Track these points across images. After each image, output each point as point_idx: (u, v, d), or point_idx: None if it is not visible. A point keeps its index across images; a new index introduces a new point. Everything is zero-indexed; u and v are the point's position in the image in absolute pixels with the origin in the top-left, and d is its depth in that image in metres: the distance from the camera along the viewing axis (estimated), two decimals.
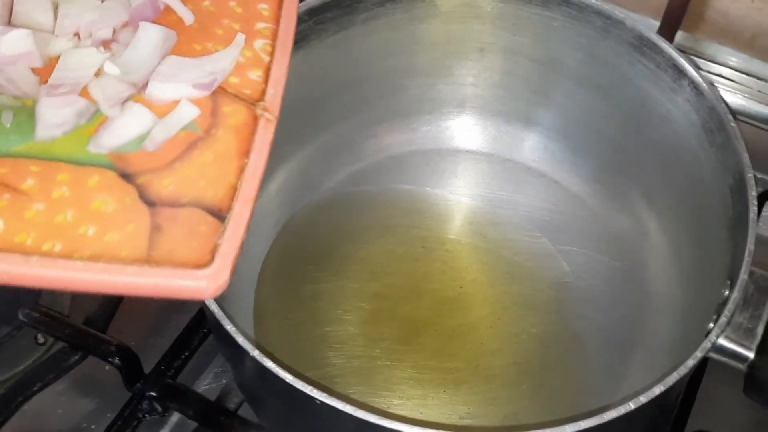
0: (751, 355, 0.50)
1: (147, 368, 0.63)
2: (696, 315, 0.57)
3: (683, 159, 0.62)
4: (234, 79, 0.46)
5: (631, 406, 0.46)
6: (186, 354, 0.64)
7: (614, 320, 0.65)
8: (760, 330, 0.50)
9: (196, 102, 0.44)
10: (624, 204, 0.70)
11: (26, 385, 0.62)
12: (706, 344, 0.48)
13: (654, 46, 0.61)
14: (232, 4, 0.49)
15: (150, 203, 0.40)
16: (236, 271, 0.64)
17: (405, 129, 0.74)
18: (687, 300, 0.61)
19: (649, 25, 0.79)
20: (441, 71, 0.71)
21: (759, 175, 0.78)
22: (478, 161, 0.74)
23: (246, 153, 0.42)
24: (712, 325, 0.50)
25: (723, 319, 0.49)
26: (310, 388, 0.46)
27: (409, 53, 0.69)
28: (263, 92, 0.46)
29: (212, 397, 0.64)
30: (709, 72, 0.79)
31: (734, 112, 0.77)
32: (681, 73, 0.60)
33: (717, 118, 0.57)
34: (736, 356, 0.50)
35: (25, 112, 0.41)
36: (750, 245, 0.51)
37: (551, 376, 0.63)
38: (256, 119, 0.44)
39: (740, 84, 0.79)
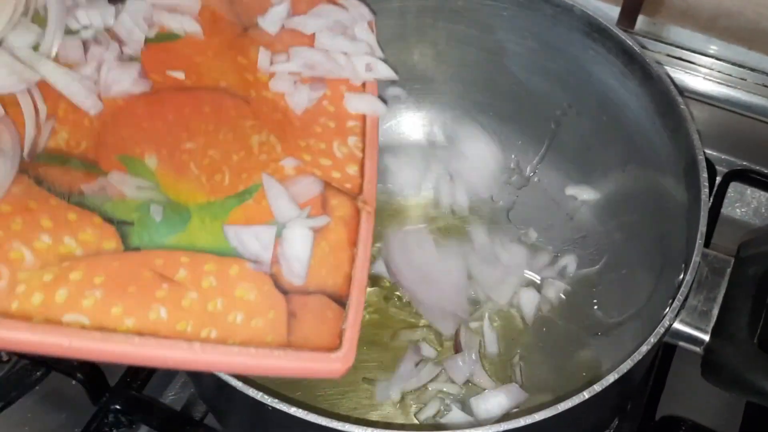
0: (706, 338, 0.49)
1: (112, 382, 0.63)
2: (658, 300, 0.57)
3: (638, 143, 0.62)
4: (336, 174, 0.50)
5: (586, 395, 0.45)
6: None
7: None
8: (715, 312, 0.50)
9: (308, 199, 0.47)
10: (581, 189, 0.70)
11: None
12: (660, 329, 0.47)
13: (603, 32, 0.61)
14: (325, 103, 0.53)
15: (284, 291, 0.43)
16: None
17: None
18: (650, 285, 0.61)
19: (610, 12, 0.80)
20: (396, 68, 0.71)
21: (723, 156, 0.78)
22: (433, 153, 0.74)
23: (354, 243, 0.46)
24: (667, 310, 0.49)
25: (676, 303, 0.48)
26: (260, 394, 0.45)
27: None
28: (361, 186, 0.49)
29: (178, 407, 0.64)
30: (669, 56, 0.78)
31: (698, 94, 0.78)
32: (631, 57, 0.60)
33: (668, 102, 0.57)
34: (692, 339, 0.50)
35: (172, 207, 0.43)
36: (702, 227, 0.50)
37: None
38: (358, 211, 0.47)
39: (702, 66, 0.78)
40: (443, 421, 0.60)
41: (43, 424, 0.64)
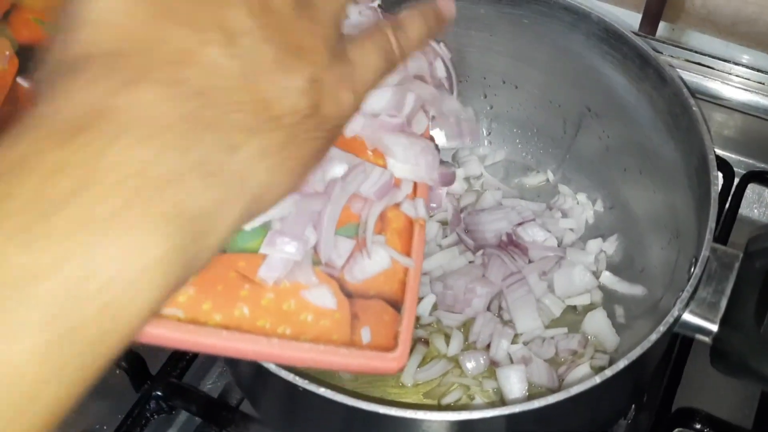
0: (714, 328, 0.52)
1: (153, 370, 0.66)
2: (672, 294, 0.59)
3: (654, 143, 0.64)
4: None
5: (597, 380, 0.48)
6: (190, 355, 0.67)
7: None
8: (724, 303, 0.52)
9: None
10: (598, 191, 0.72)
11: None
12: (669, 319, 0.50)
13: (619, 37, 0.63)
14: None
15: (348, 295, 0.46)
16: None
17: None
18: (665, 279, 0.63)
19: (630, 19, 0.82)
20: None
21: (742, 159, 0.80)
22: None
23: (408, 253, 0.49)
24: (677, 300, 0.52)
25: (685, 294, 0.51)
26: (292, 376, 0.49)
27: None
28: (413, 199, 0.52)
29: (215, 394, 0.67)
30: (690, 61, 0.80)
31: (719, 99, 0.80)
32: (646, 61, 0.62)
33: (681, 103, 0.59)
34: (701, 330, 0.52)
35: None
36: (711, 222, 0.53)
37: None
38: (411, 223, 0.50)
39: (722, 71, 0.80)
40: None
41: (88, 410, 0.68)
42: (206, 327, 0.41)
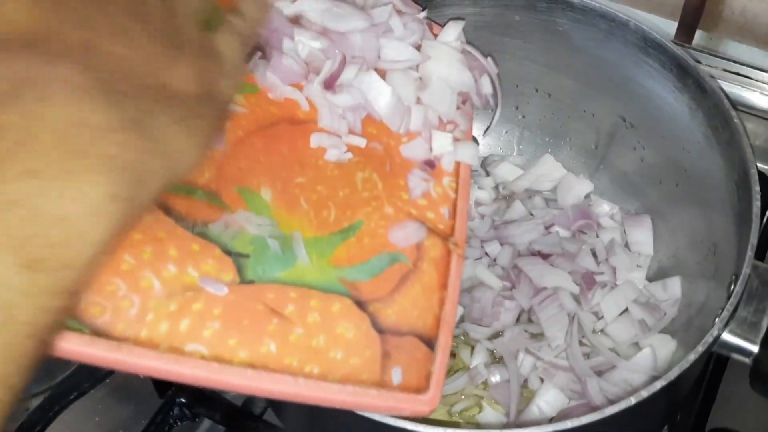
0: (755, 348, 0.50)
1: None
2: (708, 311, 0.57)
3: (691, 156, 0.62)
4: (431, 215, 0.50)
5: (632, 400, 0.46)
6: None
7: None
8: (765, 323, 0.50)
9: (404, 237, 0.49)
10: (632, 203, 0.71)
11: (63, 394, 0.65)
12: (708, 339, 0.48)
13: (658, 47, 0.62)
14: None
15: (380, 331, 0.44)
16: None
17: None
18: (701, 296, 0.61)
19: (666, 27, 0.80)
20: None
21: None
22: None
23: (444, 285, 0.47)
24: (716, 320, 0.50)
25: (725, 314, 0.49)
26: None
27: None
28: (453, 227, 0.50)
29: (239, 402, 0.67)
30: (726, 71, 0.79)
31: (756, 109, 0.78)
32: (685, 72, 0.61)
33: (721, 115, 0.58)
34: (741, 350, 0.50)
35: (286, 242, 0.45)
36: (753, 239, 0.51)
37: None
38: (449, 253, 0.49)
39: (759, 81, 0.78)
40: (477, 418, 0.61)
41: (112, 415, 0.67)
42: (232, 366, 0.39)
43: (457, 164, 0.54)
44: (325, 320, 0.43)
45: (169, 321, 0.39)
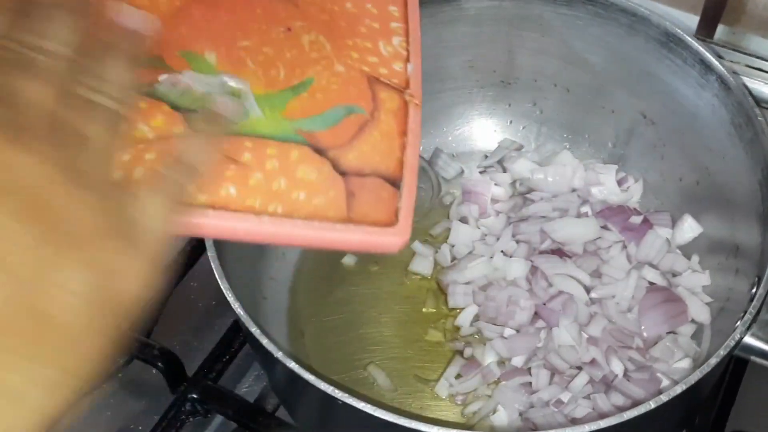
0: None
1: (190, 372, 0.66)
2: (729, 313, 0.56)
3: (713, 153, 0.61)
4: (383, 70, 0.52)
5: (652, 404, 0.46)
6: (227, 357, 0.66)
7: None
8: None
9: (358, 91, 0.50)
10: (651, 201, 0.70)
11: None
12: (730, 342, 0.47)
13: (680, 42, 0.61)
14: (368, 6, 0.55)
15: (342, 173, 0.46)
16: (272, 273, 0.67)
17: (438, 133, 0.75)
18: (723, 297, 0.60)
19: (688, 21, 0.79)
20: (470, 74, 0.72)
21: None
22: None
23: (404, 132, 0.49)
24: (738, 323, 0.49)
25: (747, 317, 0.48)
26: (331, 388, 0.47)
27: (436, 58, 0.70)
28: (407, 81, 0.52)
29: (251, 398, 0.66)
30: (749, 66, 0.77)
31: None
32: (708, 68, 0.59)
33: (745, 113, 0.57)
34: (764, 354, 0.49)
35: (236, 96, 0.46)
36: None
37: None
38: (406, 104, 0.50)
39: None
40: (491, 419, 0.60)
41: (124, 409, 0.67)
42: (191, 206, 0.40)
43: (406, 26, 0.55)
44: (284, 165, 0.44)
45: (122, 171, 0.40)
